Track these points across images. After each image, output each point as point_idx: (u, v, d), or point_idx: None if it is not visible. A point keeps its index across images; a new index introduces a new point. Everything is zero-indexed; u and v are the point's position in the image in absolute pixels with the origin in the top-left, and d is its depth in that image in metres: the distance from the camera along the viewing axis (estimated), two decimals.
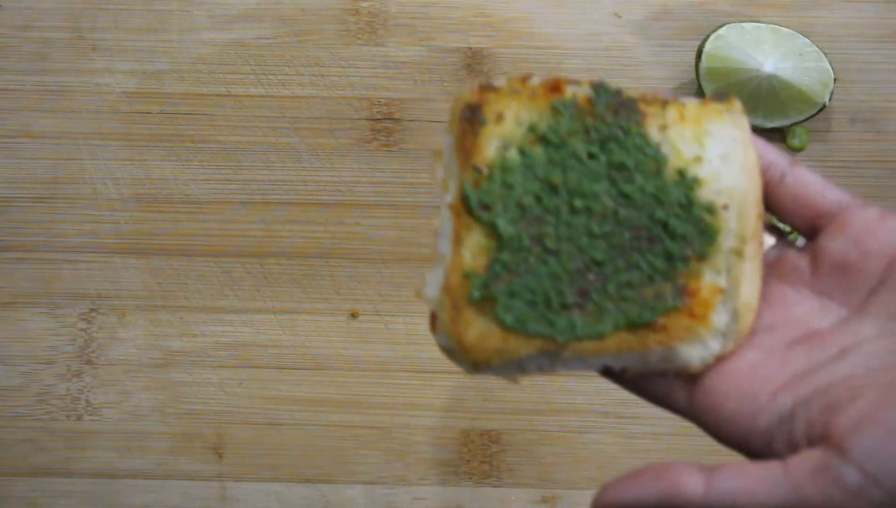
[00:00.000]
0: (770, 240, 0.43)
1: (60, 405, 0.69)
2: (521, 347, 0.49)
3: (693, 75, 0.72)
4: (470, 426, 0.68)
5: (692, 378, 0.40)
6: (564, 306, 0.49)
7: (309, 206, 0.71)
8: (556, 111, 0.40)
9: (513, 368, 0.50)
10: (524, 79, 0.40)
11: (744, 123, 0.41)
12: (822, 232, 0.41)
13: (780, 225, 0.45)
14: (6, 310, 0.70)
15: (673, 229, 0.41)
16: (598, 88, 0.40)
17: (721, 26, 0.71)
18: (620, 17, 0.74)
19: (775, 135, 0.72)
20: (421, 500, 0.68)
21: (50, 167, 0.71)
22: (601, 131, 0.40)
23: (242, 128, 0.72)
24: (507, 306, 0.49)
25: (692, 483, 0.36)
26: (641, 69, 0.73)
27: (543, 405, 0.68)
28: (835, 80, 0.70)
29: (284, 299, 0.70)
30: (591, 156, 0.40)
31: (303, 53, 0.73)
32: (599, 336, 0.48)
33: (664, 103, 0.41)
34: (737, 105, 0.41)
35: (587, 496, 0.67)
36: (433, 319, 0.50)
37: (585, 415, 0.68)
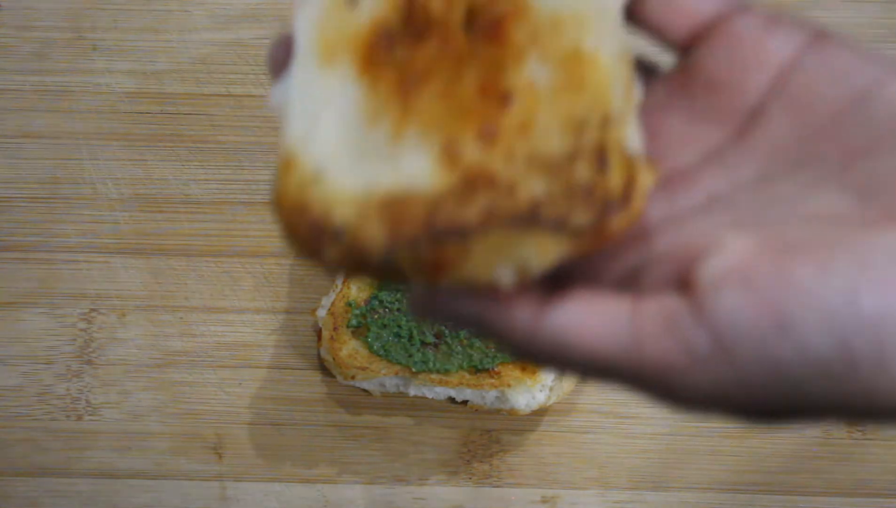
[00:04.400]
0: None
1: (60, 405, 0.69)
2: (383, 369, 0.64)
3: None
4: (470, 426, 0.68)
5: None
6: (423, 343, 0.64)
7: None
8: None
9: (375, 384, 0.66)
10: None
11: None
12: (697, 46, 0.33)
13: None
14: (6, 310, 0.70)
15: None
16: None
17: None
18: None
19: None
20: (421, 500, 0.68)
21: (50, 167, 0.71)
22: None
23: (242, 128, 0.72)
24: (376, 335, 0.64)
25: (522, 310, 0.30)
26: None
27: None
28: None
29: (284, 299, 0.70)
30: None
31: None
32: (446, 372, 0.64)
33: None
34: None
35: (587, 496, 0.67)
36: (319, 334, 0.66)
37: (585, 415, 0.68)
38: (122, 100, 0.72)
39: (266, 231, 0.70)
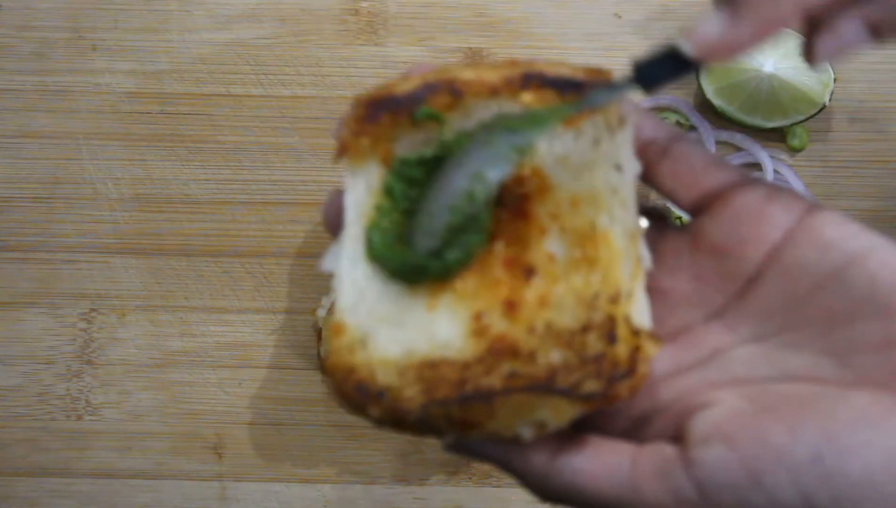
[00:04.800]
0: (644, 222, 0.39)
1: (60, 405, 0.69)
2: None
3: (693, 75, 0.72)
4: None
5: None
6: None
7: (309, 206, 0.71)
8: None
9: None
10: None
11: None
12: (704, 212, 0.37)
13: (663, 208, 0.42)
14: (6, 310, 0.70)
15: None
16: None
17: None
18: (620, 17, 0.74)
19: (775, 135, 0.72)
20: (421, 500, 0.68)
21: (50, 167, 0.71)
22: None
23: (242, 128, 0.72)
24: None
25: (538, 456, 0.35)
26: None
27: None
28: (835, 80, 0.70)
29: (284, 299, 0.70)
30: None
31: (303, 53, 0.73)
32: None
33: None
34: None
35: None
36: (319, 334, 0.64)
37: None
38: (122, 100, 0.72)
39: (266, 231, 0.70)
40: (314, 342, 0.69)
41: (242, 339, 0.69)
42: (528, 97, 0.36)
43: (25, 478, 0.68)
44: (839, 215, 0.35)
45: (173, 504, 0.68)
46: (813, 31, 0.37)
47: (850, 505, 0.31)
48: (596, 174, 0.36)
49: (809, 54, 0.38)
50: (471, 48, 0.73)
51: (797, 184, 0.70)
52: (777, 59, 0.70)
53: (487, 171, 0.35)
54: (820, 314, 0.34)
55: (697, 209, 0.37)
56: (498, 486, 0.68)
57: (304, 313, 0.69)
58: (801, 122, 0.71)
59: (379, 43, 0.73)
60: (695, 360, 0.36)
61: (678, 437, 0.34)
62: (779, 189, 0.36)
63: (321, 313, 0.66)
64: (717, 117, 0.72)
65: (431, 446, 0.68)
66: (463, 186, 0.35)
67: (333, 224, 0.37)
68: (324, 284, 0.69)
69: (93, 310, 0.70)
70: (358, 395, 0.34)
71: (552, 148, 0.36)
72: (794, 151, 0.72)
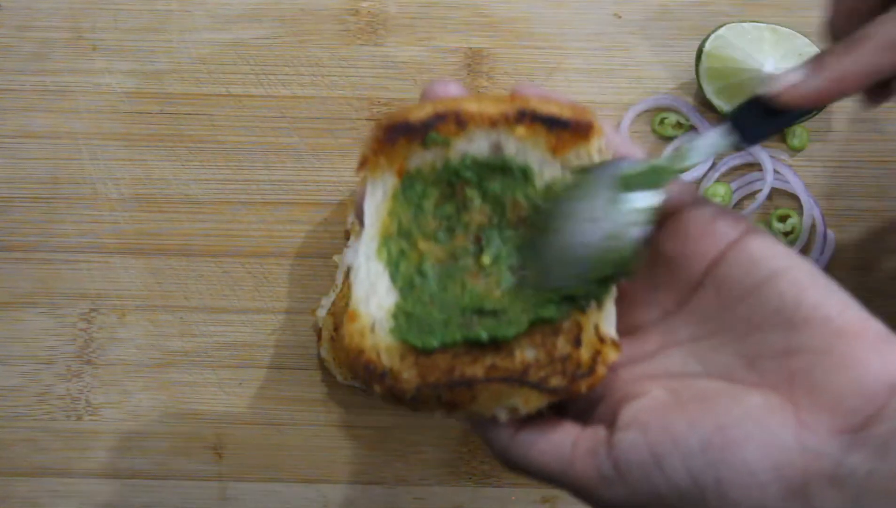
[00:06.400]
0: None
1: (60, 405, 0.69)
2: None
3: (693, 75, 0.72)
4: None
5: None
6: None
7: (309, 206, 0.71)
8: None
9: None
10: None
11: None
12: (661, 227, 0.42)
13: None
14: (6, 310, 0.70)
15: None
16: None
17: (721, 26, 0.71)
18: (620, 17, 0.74)
19: (775, 135, 0.72)
20: (421, 500, 0.68)
21: (50, 167, 0.71)
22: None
23: (242, 128, 0.72)
24: None
25: (502, 432, 0.41)
26: (641, 69, 0.73)
27: None
28: None
29: (284, 299, 0.70)
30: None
31: (303, 53, 0.73)
32: None
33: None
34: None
35: None
36: (319, 334, 0.66)
37: None
38: (122, 100, 0.72)
39: (266, 231, 0.70)
40: (314, 342, 0.69)
41: (242, 339, 0.69)
42: (521, 130, 0.42)
43: (25, 478, 0.68)
44: (770, 237, 0.41)
45: (173, 504, 0.68)
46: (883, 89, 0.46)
47: (731, 489, 0.37)
48: None
49: (871, 102, 0.47)
50: (471, 48, 0.73)
51: (797, 184, 0.70)
52: (777, 60, 0.70)
53: (628, 231, 0.40)
54: (740, 322, 0.40)
55: (656, 224, 0.43)
56: (498, 486, 0.68)
57: (304, 313, 0.69)
58: (802, 122, 0.71)
59: (379, 43, 0.73)
60: (641, 354, 0.42)
61: (611, 422, 0.40)
62: (724, 211, 0.42)
63: (321, 313, 0.66)
64: (718, 117, 0.72)
65: (431, 446, 0.68)
66: (606, 233, 0.40)
67: (362, 214, 0.44)
68: (324, 284, 0.69)
69: (93, 310, 0.70)
70: (366, 373, 0.41)
71: (542, 175, 0.43)
72: (794, 151, 0.72)
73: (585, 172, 0.42)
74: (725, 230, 0.41)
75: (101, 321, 0.69)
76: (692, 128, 0.72)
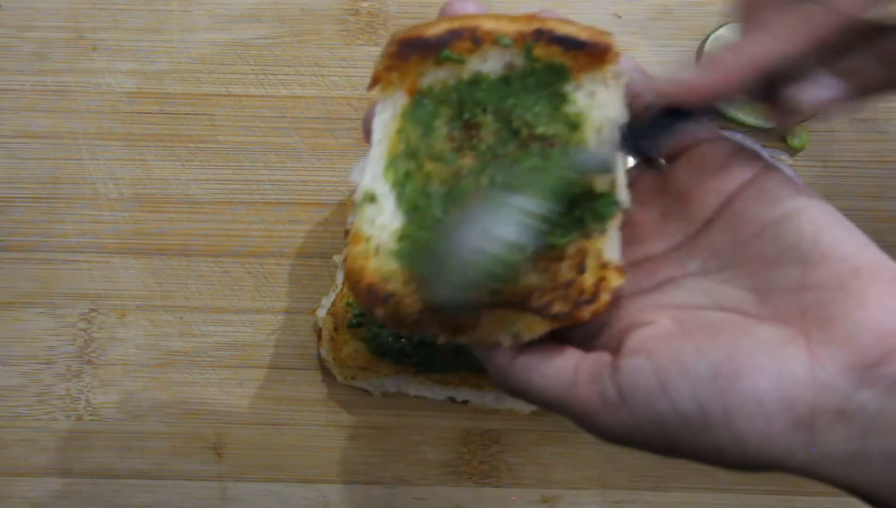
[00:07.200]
0: (630, 161, 0.44)
1: (60, 405, 0.69)
2: (382, 369, 0.64)
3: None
4: (470, 427, 0.68)
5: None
6: (423, 344, 0.63)
7: (309, 206, 0.71)
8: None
9: (375, 384, 0.66)
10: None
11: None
12: (676, 160, 0.43)
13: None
14: (6, 310, 0.70)
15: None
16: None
17: (721, 26, 0.71)
18: (620, 17, 0.74)
19: (775, 135, 0.72)
20: (421, 500, 0.68)
21: (50, 167, 0.71)
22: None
23: (242, 128, 0.72)
24: (376, 335, 0.63)
25: (503, 355, 0.41)
26: None
27: None
28: None
29: (284, 299, 0.70)
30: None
31: (303, 53, 0.73)
32: (446, 372, 0.64)
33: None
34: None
35: (587, 496, 0.67)
36: (319, 334, 0.66)
37: None
38: (122, 100, 0.73)
39: (266, 231, 0.70)
40: (314, 342, 0.69)
41: (242, 339, 0.69)
42: (538, 50, 0.41)
43: (25, 478, 0.68)
44: (787, 176, 0.40)
45: (173, 504, 0.68)
46: (780, 88, 0.42)
47: (738, 417, 0.36)
48: (587, 123, 0.42)
49: (778, 112, 0.43)
50: None
51: None
52: None
53: (511, 237, 0.39)
54: (754, 258, 0.39)
55: (672, 157, 0.43)
56: (498, 486, 0.68)
57: (304, 313, 0.69)
58: (802, 122, 0.71)
59: (379, 43, 0.73)
60: (649, 285, 0.42)
61: (616, 348, 0.39)
62: (742, 148, 0.42)
63: (321, 313, 0.66)
64: (717, 117, 0.72)
65: (431, 446, 0.68)
66: (487, 250, 0.39)
67: (369, 134, 0.43)
68: (324, 284, 0.69)
69: (93, 310, 0.70)
70: (368, 296, 0.39)
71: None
72: (794, 151, 0.72)
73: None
74: (742, 166, 0.41)
75: (101, 321, 0.69)
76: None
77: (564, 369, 0.40)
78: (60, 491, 0.68)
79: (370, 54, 0.73)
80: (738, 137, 0.71)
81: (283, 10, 0.74)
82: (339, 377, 0.66)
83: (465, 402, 0.67)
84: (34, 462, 0.68)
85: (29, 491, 0.68)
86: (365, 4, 0.74)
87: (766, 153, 0.71)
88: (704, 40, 0.71)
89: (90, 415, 0.69)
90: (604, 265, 0.40)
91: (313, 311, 0.68)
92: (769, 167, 0.41)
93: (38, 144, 0.72)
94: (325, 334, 0.65)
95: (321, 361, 0.68)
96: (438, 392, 0.66)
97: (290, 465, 0.68)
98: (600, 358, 0.39)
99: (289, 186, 0.71)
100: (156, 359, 0.69)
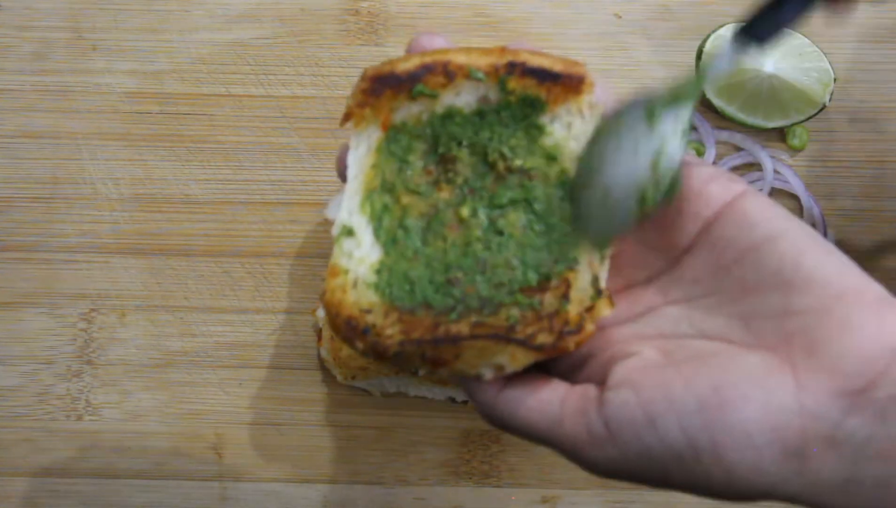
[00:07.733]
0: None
1: (60, 405, 0.69)
2: (382, 369, 0.64)
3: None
4: (470, 427, 0.68)
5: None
6: None
7: (309, 206, 0.71)
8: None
9: (375, 384, 0.66)
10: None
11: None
12: None
13: None
14: (6, 310, 0.70)
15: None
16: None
17: (721, 26, 0.71)
18: (620, 17, 0.74)
19: (775, 135, 0.72)
20: (421, 500, 0.68)
21: (50, 167, 0.71)
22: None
23: (242, 128, 0.72)
24: None
25: (488, 388, 0.40)
26: (641, 69, 0.73)
27: None
28: (835, 80, 0.70)
29: (284, 299, 0.70)
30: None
31: (303, 53, 0.73)
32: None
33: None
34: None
35: (587, 496, 0.67)
36: (319, 334, 0.66)
37: None
38: (122, 100, 0.72)
39: (266, 231, 0.70)
40: (314, 342, 0.69)
41: (242, 339, 0.69)
42: (512, 83, 0.41)
43: (25, 478, 0.68)
44: (766, 199, 0.40)
45: (173, 504, 0.68)
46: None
47: (726, 450, 0.36)
48: (565, 154, 0.42)
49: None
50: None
51: (797, 184, 0.70)
52: (777, 60, 0.70)
53: (669, 147, 0.40)
54: (736, 284, 0.39)
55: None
56: (498, 486, 0.68)
57: (304, 313, 0.69)
58: (801, 122, 0.71)
59: (379, 43, 0.73)
60: (631, 315, 0.41)
61: (601, 381, 0.39)
62: (719, 172, 0.41)
63: (321, 313, 0.66)
64: (717, 117, 0.72)
65: (431, 446, 0.68)
66: (644, 165, 0.39)
67: (343, 172, 0.43)
68: (323, 284, 0.69)
69: (93, 310, 0.70)
70: (347, 329, 0.40)
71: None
72: (794, 151, 0.72)
73: (607, 117, 0.41)
74: (720, 191, 0.40)
75: (101, 321, 0.69)
76: (692, 128, 0.72)
77: (551, 403, 0.39)
78: (60, 491, 0.68)
79: (370, 54, 0.73)
80: (737, 137, 0.71)
81: (283, 10, 0.74)
82: (339, 377, 0.66)
83: (465, 402, 0.67)
84: (34, 462, 0.68)
85: (29, 491, 0.68)
86: (365, 4, 0.74)
87: (765, 153, 0.71)
88: (704, 40, 0.71)
89: (90, 415, 0.69)
90: (589, 295, 0.40)
91: (313, 311, 0.68)
92: (747, 191, 0.40)
93: (38, 144, 0.72)
94: (325, 334, 0.65)
95: (321, 361, 0.68)
96: (438, 392, 0.66)
97: (290, 465, 0.68)
98: (586, 392, 0.39)
99: (289, 186, 0.71)
100: (156, 359, 0.69)
